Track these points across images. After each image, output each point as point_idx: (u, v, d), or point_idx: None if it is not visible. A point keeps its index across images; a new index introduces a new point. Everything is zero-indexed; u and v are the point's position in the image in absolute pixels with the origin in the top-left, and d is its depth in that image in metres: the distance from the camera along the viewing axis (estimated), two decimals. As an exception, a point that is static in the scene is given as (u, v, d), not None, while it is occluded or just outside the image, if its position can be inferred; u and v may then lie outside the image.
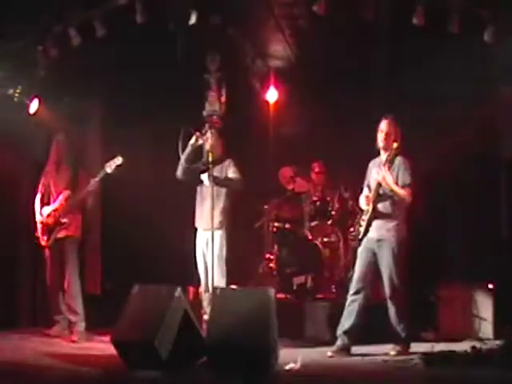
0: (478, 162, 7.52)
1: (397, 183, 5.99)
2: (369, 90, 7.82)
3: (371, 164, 6.28)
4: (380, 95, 7.75)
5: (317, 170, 8.00)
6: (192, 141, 6.45)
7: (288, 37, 8.01)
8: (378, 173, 6.03)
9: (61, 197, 6.79)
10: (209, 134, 6.44)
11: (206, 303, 6.37)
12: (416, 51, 7.23)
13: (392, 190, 5.98)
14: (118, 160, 6.72)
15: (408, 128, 6.22)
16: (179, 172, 6.60)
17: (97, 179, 6.74)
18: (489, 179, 7.61)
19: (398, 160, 6.06)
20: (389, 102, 7.45)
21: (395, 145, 6.02)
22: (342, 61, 7.76)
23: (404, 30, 6.58)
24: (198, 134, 6.44)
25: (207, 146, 6.45)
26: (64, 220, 6.74)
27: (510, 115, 7.52)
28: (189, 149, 6.48)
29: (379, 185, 6.01)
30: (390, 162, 6.02)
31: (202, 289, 6.63)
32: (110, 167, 6.70)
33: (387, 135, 6.08)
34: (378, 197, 6.03)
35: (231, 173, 6.58)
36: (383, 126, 6.10)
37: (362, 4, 6.21)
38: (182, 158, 6.50)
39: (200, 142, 6.44)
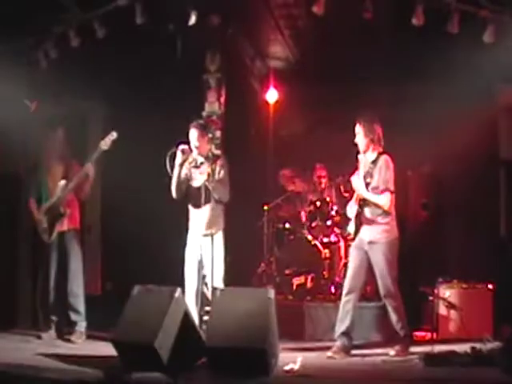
0: (478, 164, 7.53)
1: (377, 187, 5.90)
2: (368, 90, 7.84)
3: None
4: (379, 95, 7.75)
5: (318, 171, 8.04)
6: (178, 160, 6.16)
7: (287, 37, 8.03)
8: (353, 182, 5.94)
9: (57, 189, 6.65)
10: (193, 143, 6.16)
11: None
12: (415, 51, 7.25)
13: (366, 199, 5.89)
14: (113, 136, 6.48)
15: (406, 129, 6.21)
16: (174, 193, 6.27)
17: (92, 160, 6.52)
18: (488, 180, 7.62)
19: (382, 160, 5.94)
20: (388, 103, 7.46)
21: (380, 149, 5.92)
22: (340, 62, 7.77)
23: (403, 30, 6.58)
24: (181, 149, 6.13)
25: (194, 151, 6.18)
26: (64, 210, 6.60)
27: (508, 117, 7.54)
28: (177, 169, 6.19)
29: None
30: (373, 164, 5.92)
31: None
32: (105, 144, 6.47)
33: (360, 137, 5.99)
34: (362, 201, 5.96)
35: (219, 183, 6.16)
36: (356, 129, 6.03)
37: (362, 4, 6.22)
38: (174, 179, 6.21)
39: (185, 156, 6.17)
